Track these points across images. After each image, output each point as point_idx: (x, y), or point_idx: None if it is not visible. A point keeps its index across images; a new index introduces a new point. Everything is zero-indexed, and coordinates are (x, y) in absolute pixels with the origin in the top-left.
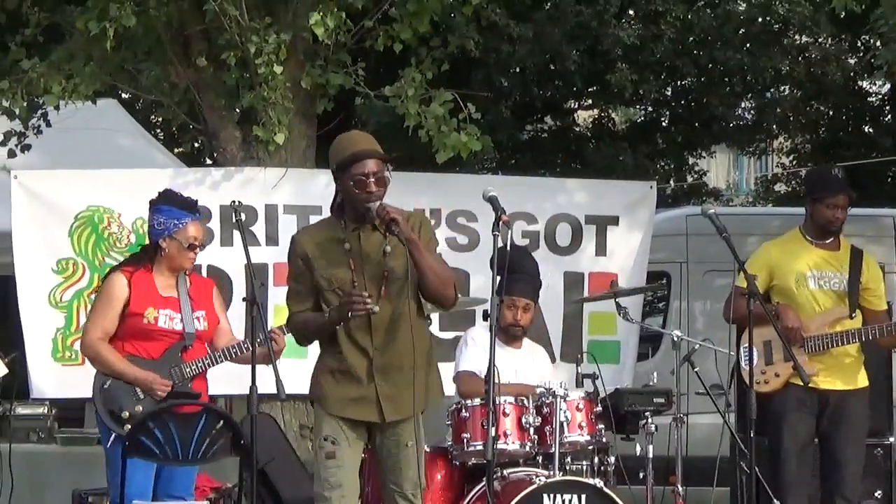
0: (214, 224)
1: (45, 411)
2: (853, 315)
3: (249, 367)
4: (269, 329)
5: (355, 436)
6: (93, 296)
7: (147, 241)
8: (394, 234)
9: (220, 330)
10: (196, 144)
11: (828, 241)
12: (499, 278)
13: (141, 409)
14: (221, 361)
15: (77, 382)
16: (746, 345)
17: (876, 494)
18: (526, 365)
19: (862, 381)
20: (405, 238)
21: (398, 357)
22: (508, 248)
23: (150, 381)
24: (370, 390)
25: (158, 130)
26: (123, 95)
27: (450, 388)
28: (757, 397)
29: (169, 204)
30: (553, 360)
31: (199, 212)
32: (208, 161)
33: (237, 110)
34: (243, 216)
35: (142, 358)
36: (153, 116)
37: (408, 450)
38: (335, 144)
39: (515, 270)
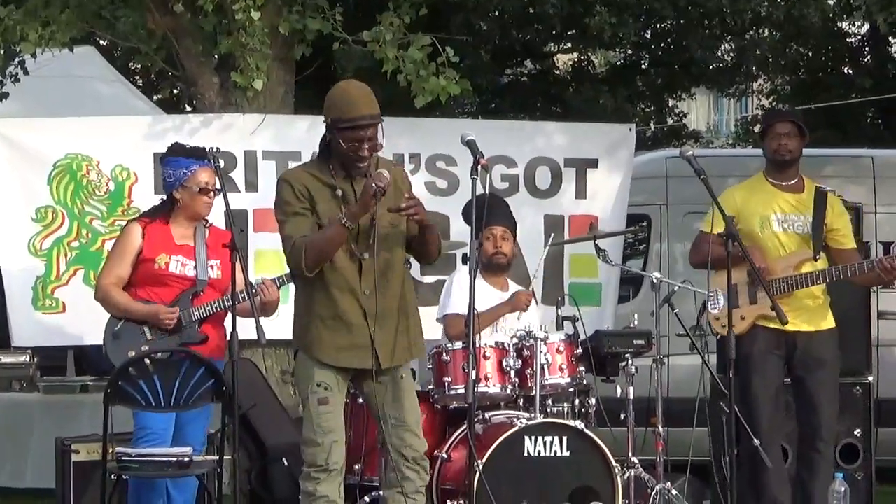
0: None
1: (27, 360)
2: (818, 257)
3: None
4: (259, 280)
5: (343, 382)
6: (74, 243)
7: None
8: (409, 214)
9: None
10: (174, 91)
11: (791, 182)
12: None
13: (146, 349)
14: (230, 306)
15: (58, 330)
16: (713, 289)
17: (855, 433)
18: None
19: (828, 322)
20: (423, 223)
21: (389, 304)
22: (486, 191)
23: (156, 312)
24: (364, 337)
25: (137, 77)
26: (101, 42)
27: (432, 332)
28: (719, 340)
29: (176, 155)
30: (535, 302)
31: (208, 158)
32: (187, 108)
33: (215, 57)
34: (222, 162)
35: (153, 302)
36: (131, 63)
37: (404, 381)
38: (334, 96)
39: (489, 206)
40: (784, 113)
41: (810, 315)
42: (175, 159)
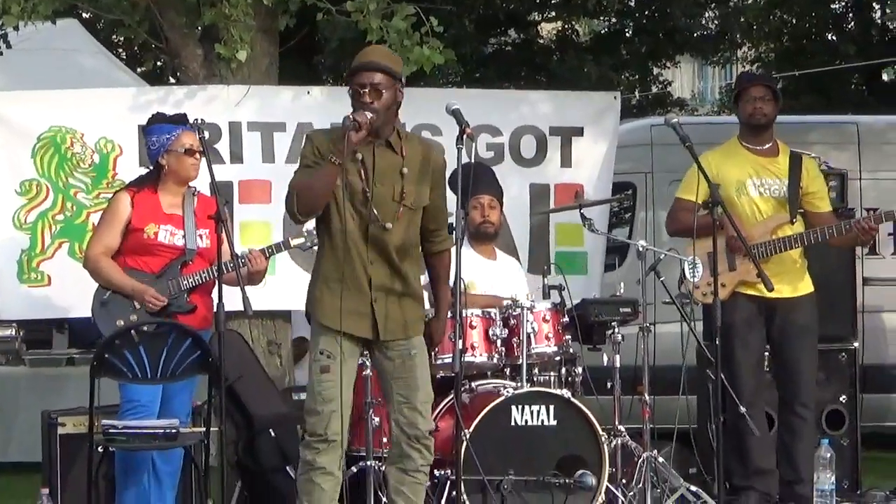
0: None
1: (13, 333)
2: (794, 220)
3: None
4: (247, 250)
5: (351, 351)
6: (59, 216)
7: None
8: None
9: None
10: (158, 63)
11: (766, 147)
12: (460, 192)
13: (136, 318)
14: (220, 279)
15: (44, 304)
16: (692, 257)
17: (841, 399)
18: (502, 277)
19: (806, 286)
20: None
21: (398, 280)
22: (472, 160)
23: (143, 292)
24: (365, 305)
25: (120, 50)
26: (84, 15)
27: None
28: (705, 308)
29: (158, 123)
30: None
31: (189, 123)
32: (171, 80)
33: (198, 28)
34: (207, 134)
35: (142, 271)
36: (114, 36)
37: (413, 359)
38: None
39: (475, 175)
40: (758, 77)
41: (790, 279)
42: (158, 126)
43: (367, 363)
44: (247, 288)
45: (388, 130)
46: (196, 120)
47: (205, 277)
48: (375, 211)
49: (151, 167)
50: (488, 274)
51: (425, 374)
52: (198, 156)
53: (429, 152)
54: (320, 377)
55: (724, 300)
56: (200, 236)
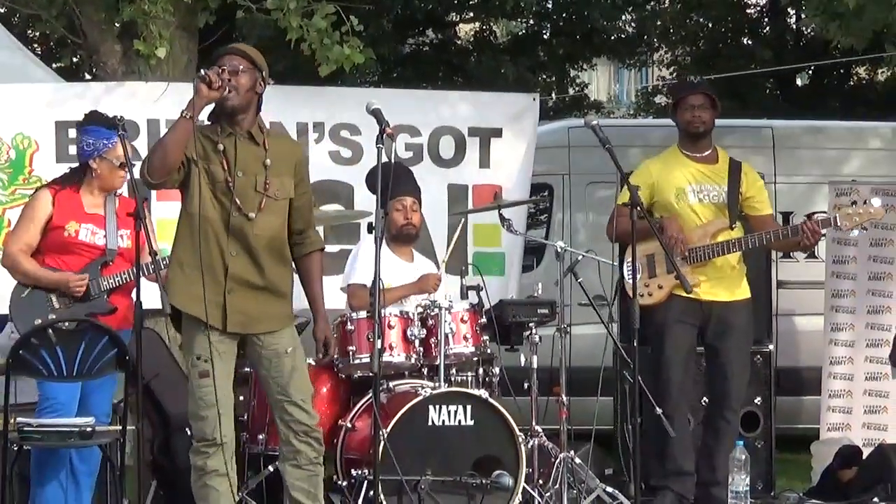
0: None
1: None
2: (734, 226)
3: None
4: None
5: (226, 348)
6: None
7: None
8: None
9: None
10: (75, 59)
11: (705, 154)
12: (380, 192)
13: (54, 317)
14: (138, 277)
15: None
16: (629, 259)
17: (756, 401)
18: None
19: (743, 292)
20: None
21: (256, 274)
22: (392, 160)
23: (66, 280)
24: (218, 295)
25: (36, 45)
26: None
27: (334, 301)
28: (641, 309)
29: (97, 124)
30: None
31: (126, 130)
32: (87, 76)
33: (117, 24)
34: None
35: (61, 271)
36: (31, 31)
37: (288, 356)
38: None
39: (395, 177)
40: (696, 85)
41: (727, 284)
42: (96, 128)
43: None
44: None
45: (249, 121)
46: (116, 117)
47: (125, 278)
48: (238, 200)
49: (79, 165)
50: (405, 276)
51: (301, 369)
52: (126, 168)
53: (292, 147)
54: (200, 382)
55: (661, 300)
56: (121, 236)
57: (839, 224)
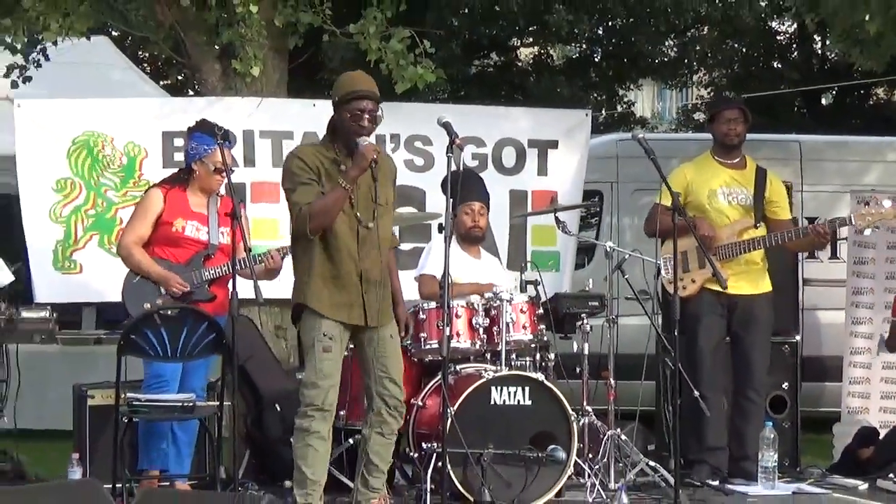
0: None
1: (47, 315)
2: (758, 225)
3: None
4: (267, 251)
5: (345, 335)
6: (90, 211)
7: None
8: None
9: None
10: (180, 77)
11: (735, 161)
12: (452, 197)
13: (160, 302)
14: (237, 269)
15: (76, 289)
16: (666, 255)
17: (783, 386)
18: (485, 273)
19: (766, 286)
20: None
21: (377, 272)
22: (461, 168)
23: (168, 279)
24: (357, 296)
25: (146, 65)
26: (114, 33)
27: (410, 293)
28: (664, 302)
29: (202, 131)
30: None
31: (230, 140)
32: (190, 92)
33: (217, 46)
34: (233, 141)
35: (169, 261)
36: (141, 52)
37: (392, 340)
38: (340, 79)
39: (467, 183)
40: (731, 100)
41: (752, 278)
42: (201, 135)
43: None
44: (259, 281)
45: None
46: (217, 127)
47: (224, 271)
48: (359, 214)
49: (185, 167)
50: (473, 271)
51: (398, 353)
52: (224, 174)
53: (389, 160)
54: (322, 355)
55: (693, 294)
56: (222, 233)
57: (854, 223)
